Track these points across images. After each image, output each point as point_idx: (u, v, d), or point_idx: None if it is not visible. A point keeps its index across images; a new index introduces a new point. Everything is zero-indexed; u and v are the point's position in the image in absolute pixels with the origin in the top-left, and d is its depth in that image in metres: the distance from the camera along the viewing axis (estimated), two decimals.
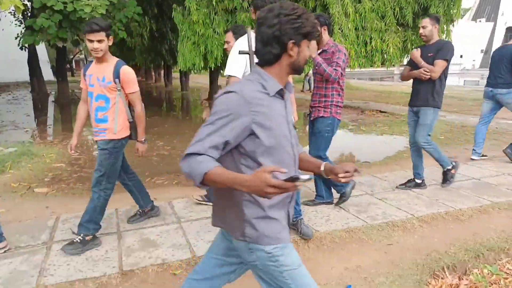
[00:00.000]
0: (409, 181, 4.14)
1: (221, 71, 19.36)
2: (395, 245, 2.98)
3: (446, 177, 4.06)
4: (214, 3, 8.36)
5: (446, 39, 3.88)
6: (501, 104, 5.23)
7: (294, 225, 3.04)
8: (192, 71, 10.20)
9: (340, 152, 6.84)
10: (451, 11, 7.56)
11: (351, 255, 2.84)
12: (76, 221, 3.35)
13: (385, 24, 7.85)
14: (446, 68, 3.69)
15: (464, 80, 30.53)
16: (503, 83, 5.05)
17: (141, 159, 6.15)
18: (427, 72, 3.63)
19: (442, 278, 2.64)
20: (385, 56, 8.07)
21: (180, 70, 22.62)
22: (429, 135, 3.86)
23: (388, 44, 7.77)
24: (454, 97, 12.30)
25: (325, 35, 3.29)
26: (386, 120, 9.43)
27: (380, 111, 10.88)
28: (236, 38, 2.95)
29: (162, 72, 29.23)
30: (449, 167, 4.00)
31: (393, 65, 8.54)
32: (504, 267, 2.76)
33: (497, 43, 58.16)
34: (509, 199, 3.75)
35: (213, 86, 16.93)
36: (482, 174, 4.59)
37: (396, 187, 4.13)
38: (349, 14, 7.49)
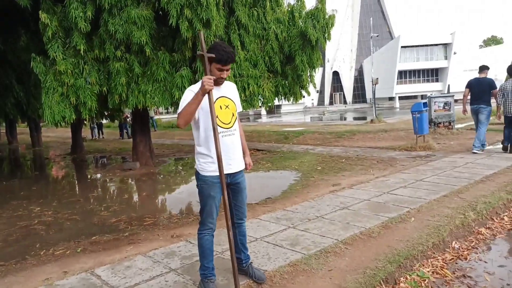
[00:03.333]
0: None
1: (84, 123, 17.88)
2: (335, 269, 3.25)
3: None
4: (82, 52, 7.92)
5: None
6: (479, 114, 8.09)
7: (244, 270, 3.05)
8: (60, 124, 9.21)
9: None
10: (312, 59, 8.84)
11: (302, 287, 2.99)
12: None
13: (258, 71, 8.64)
14: None
15: (310, 117, 34.99)
16: (484, 101, 8.04)
17: (23, 230, 5.25)
18: None
19: None
20: (262, 99, 8.84)
21: (28, 124, 20.09)
22: None
23: (263, 88, 8.55)
24: (315, 132, 14.00)
25: None
26: (266, 157, 10.14)
27: (257, 150, 11.64)
28: None
29: (4, 128, 25.39)
30: None
31: (269, 106, 9.38)
32: (419, 270, 3.30)
33: (327, 84, 68.92)
34: (399, 213, 4.49)
35: (76, 138, 15.53)
36: (369, 195, 5.37)
37: None
38: None
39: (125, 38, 7.74)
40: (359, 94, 68.18)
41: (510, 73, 8.14)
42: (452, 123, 12.52)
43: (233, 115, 2.83)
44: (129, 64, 8.10)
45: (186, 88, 9.31)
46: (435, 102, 12.56)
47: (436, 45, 53.67)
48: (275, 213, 4.83)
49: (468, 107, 8.53)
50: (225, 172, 2.73)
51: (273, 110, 55.92)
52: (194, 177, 2.89)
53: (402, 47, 51.69)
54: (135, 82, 8.24)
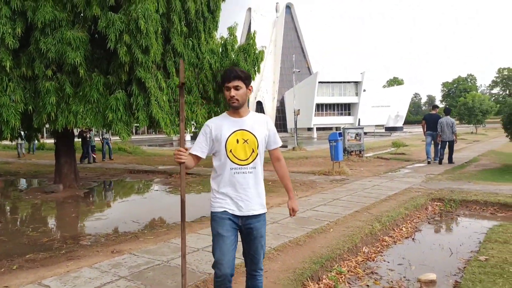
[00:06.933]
0: None
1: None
2: (269, 271, 3.76)
3: None
4: (8, 69, 7.70)
5: None
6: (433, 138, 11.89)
7: None
8: None
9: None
10: None
11: (243, 286, 3.43)
12: None
13: (192, 97, 9.11)
14: None
15: None
16: (436, 130, 11.57)
17: None
18: None
19: (308, 286, 3.58)
20: (195, 124, 9.27)
21: None
22: None
23: (197, 114, 9.01)
24: None
25: None
26: (196, 180, 10.46)
27: (187, 173, 11.89)
28: None
29: None
30: None
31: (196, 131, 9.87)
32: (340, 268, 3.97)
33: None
34: (320, 225, 5.19)
35: None
36: None
37: None
38: (163, 88, 8.37)
39: (57, 57, 7.70)
40: (281, 124, 71.55)
41: (445, 112, 11.99)
42: (362, 152, 14.10)
43: (253, 151, 2.48)
44: (60, 83, 8.01)
45: (120, 111, 9.25)
46: (348, 133, 14.08)
47: (349, 82, 59.14)
48: None
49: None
50: (234, 213, 2.49)
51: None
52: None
53: (319, 82, 56.01)
54: (65, 102, 8.13)
